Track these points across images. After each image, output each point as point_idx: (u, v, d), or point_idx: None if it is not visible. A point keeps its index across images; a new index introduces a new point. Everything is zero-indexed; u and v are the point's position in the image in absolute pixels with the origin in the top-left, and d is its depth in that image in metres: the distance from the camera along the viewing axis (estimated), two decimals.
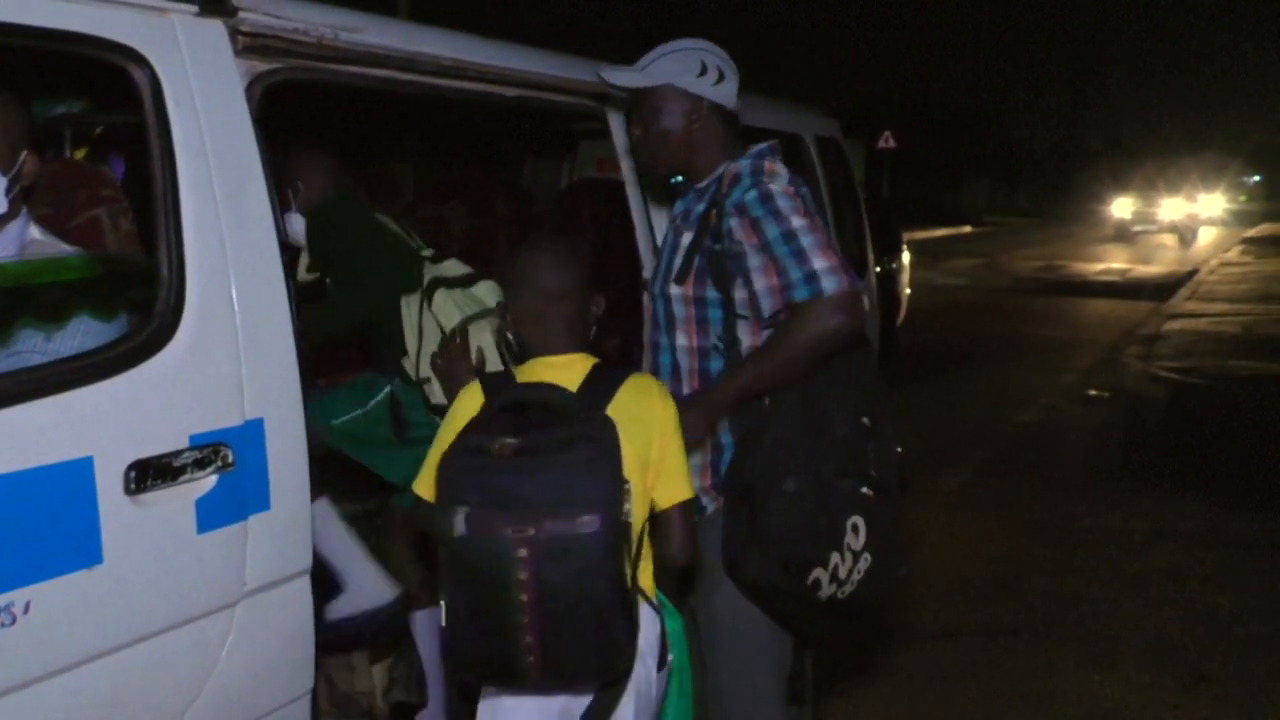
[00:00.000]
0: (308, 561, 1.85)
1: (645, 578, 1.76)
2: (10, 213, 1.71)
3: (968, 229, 31.80)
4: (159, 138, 1.64)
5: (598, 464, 1.55)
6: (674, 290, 2.07)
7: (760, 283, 1.93)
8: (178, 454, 1.61)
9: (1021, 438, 6.61)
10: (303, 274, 2.54)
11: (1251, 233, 29.67)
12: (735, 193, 1.98)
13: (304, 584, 1.85)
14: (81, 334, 1.63)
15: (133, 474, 1.55)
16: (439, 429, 1.80)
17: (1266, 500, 5.22)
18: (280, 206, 1.83)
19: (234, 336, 1.70)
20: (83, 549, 1.50)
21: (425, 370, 2.43)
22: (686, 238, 2.07)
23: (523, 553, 1.50)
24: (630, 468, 1.61)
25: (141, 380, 1.58)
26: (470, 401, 1.74)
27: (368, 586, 2.39)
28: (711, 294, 2.01)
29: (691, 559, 1.81)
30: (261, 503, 1.74)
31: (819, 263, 1.88)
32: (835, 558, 1.89)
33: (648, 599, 1.75)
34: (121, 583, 1.55)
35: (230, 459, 1.68)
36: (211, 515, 1.66)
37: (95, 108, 2.51)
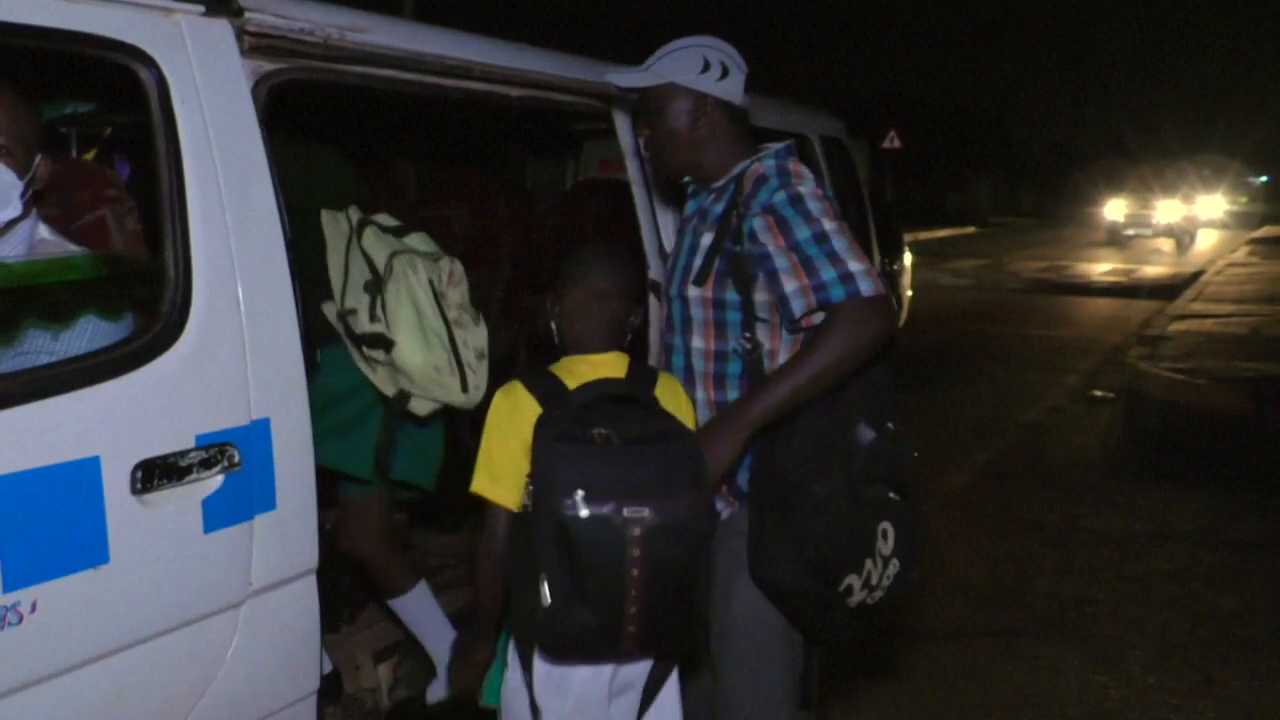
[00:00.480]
0: (314, 561, 1.85)
1: None
2: (22, 214, 1.71)
3: (972, 229, 31.78)
4: (165, 137, 1.65)
5: (693, 452, 1.71)
6: (692, 292, 2.03)
7: (790, 284, 1.88)
8: (184, 454, 1.61)
9: (1024, 438, 6.61)
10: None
11: (1259, 233, 28.70)
12: (763, 194, 1.94)
13: (310, 583, 1.85)
14: (88, 334, 1.63)
15: (139, 474, 1.55)
16: (486, 430, 1.81)
17: (1270, 501, 5.21)
18: None
19: (240, 336, 1.70)
20: (89, 548, 1.50)
21: (351, 302, 2.30)
22: (706, 239, 2.02)
23: (636, 533, 1.62)
24: None
25: (148, 380, 1.58)
26: (517, 398, 1.81)
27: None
28: (732, 296, 1.98)
29: None
30: (268, 502, 1.74)
31: (854, 265, 1.84)
32: (869, 564, 1.87)
33: None
34: (128, 582, 1.55)
35: (236, 459, 1.68)
36: (218, 515, 1.66)
37: (102, 108, 2.51)
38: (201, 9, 1.71)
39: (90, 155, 2.52)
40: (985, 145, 40.48)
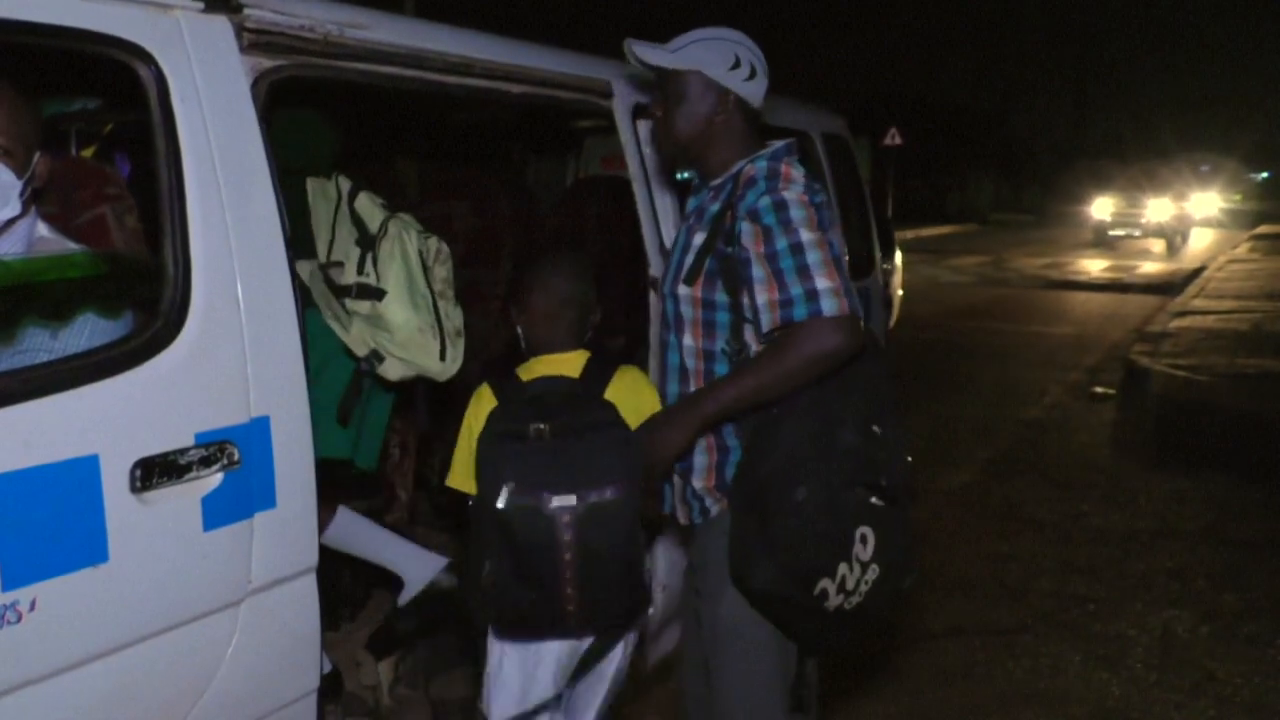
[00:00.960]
0: (314, 559, 1.85)
1: None
2: (21, 212, 1.71)
3: (974, 226, 31.73)
4: (164, 135, 1.64)
5: (622, 442, 1.89)
6: (683, 290, 2.03)
7: (761, 297, 1.88)
8: (183, 452, 1.61)
9: (1026, 435, 6.60)
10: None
11: (1260, 230, 27.40)
12: (749, 196, 1.92)
13: (310, 581, 1.85)
14: (87, 332, 1.63)
15: (138, 472, 1.55)
16: (460, 432, 2.01)
17: (1273, 498, 5.20)
18: None
19: (239, 334, 1.70)
20: (88, 547, 1.50)
21: (338, 255, 2.29)
22: (699, 238, 2.02)
23: (566, 519, 1.83)
24: None
25: (147, 378, 1.58)
26: (485, 401, 2.00)
27: (417, 562, 2.54)
28: (720, 297, 1.97)
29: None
30: (267, 500, 1.74)
31: (821, 282, 1.82)
32: (843, 568, 1.85)
33: None
34: (127, 580, 1.55)
35: (236, 457, 1.68)
36: (217, 513, 1.66)
37: (101, 105, 2.51)
38: (200, 5, 1.70)
39: (88, 152, 2.52)
40: (986, 143, 40.42)
